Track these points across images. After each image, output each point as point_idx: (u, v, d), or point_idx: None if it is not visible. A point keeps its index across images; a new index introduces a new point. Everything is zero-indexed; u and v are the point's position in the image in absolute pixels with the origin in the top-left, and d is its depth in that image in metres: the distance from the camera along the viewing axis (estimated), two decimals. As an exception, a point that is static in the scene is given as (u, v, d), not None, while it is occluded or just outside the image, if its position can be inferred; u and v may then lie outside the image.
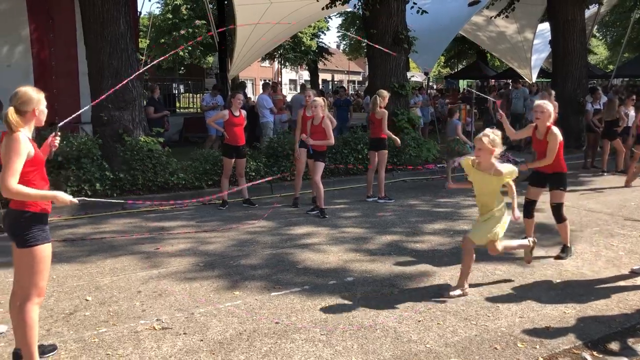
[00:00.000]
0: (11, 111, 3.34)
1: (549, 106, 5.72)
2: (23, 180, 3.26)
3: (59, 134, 3.79)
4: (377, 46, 11.12)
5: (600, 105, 12.45)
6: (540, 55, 22.62)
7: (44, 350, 3.66)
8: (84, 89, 11.96)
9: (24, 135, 3.31)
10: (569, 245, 5.90)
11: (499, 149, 4.58)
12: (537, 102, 5.91)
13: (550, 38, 15.81)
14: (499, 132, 4.70)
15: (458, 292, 4.77)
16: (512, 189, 4.82)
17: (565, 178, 5.83)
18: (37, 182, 3.36)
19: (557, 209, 5.84)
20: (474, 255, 4.81)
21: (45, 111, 3.49)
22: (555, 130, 5.67)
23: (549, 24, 16.30)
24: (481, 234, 4.74)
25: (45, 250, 3.36)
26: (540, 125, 5.76)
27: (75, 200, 3.55)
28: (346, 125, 15.15)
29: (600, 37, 42.45)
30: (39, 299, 3.41)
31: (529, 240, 5.27)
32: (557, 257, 5.80)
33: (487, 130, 4.66)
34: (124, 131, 9.35)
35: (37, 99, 3.41)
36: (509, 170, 4.63)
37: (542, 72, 24.65)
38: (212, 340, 3.94)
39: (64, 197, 3.38)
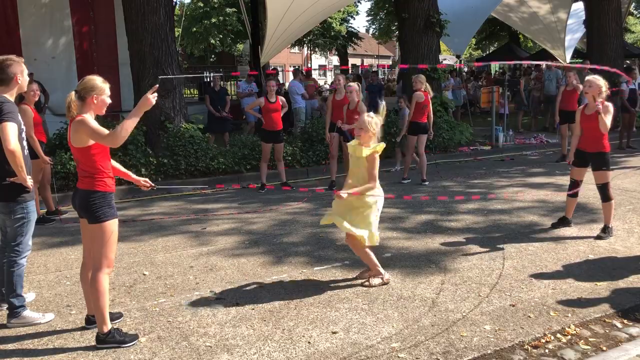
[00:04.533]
0: (71, 95, 3.66)
1: (597, 80, 5.69)
2: (92, 161, 3.60)
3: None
4: None
5: (635, 85, 12.34)
6: (574, 35, 22.27)
7: (111, 317, 4.00)
8: (123, 79, 12.45)
9: (90, 117, 3.62)
10: (610, 225, 5.89)
11: (377, 133, 4.60)
12: (587, 77, 5.88)
13: (584, 18, 15.64)
14: (379, 118, 4.66)
15: (378, 280, 4.69)
16: (371, 172, 4.50)
17: (608, 158, 5.87)
18: (103, 163, 3.70)
19: (603, 189, 5.86)
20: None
21: (107, 101, 3.75)
22: (608, 103, 5.70)
23: (582, 3, 16.11)
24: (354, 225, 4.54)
25: (113, 225, 3.71)
26: (590, 100, 5.74)
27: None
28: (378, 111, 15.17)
29: (638, 15, 41.29)
30: (109, 269, 3.77)
31: (383, 277, 4.72)
32: (598, 237, 5.80)
33: (372, 114, 4.66)
34: (166, 118, 9.74)
35: (100, 87, 3.70)
36: (376, 146, 4.54)
37: (577, 53, 24.24)
38: (262, 309, 4.26)
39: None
